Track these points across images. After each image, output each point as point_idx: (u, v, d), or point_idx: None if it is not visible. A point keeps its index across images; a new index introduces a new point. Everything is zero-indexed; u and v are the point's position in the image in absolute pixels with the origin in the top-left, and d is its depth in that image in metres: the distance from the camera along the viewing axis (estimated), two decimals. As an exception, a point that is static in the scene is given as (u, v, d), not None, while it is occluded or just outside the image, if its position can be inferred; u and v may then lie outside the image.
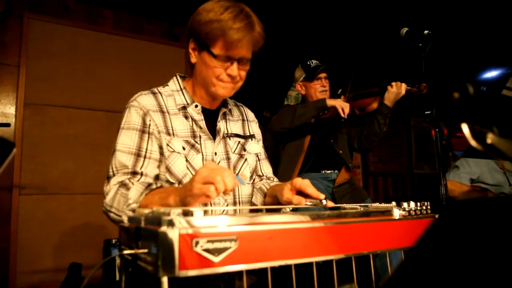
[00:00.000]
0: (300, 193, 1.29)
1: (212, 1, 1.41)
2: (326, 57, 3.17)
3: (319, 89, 2.85)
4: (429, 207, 1.09)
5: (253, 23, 1.39)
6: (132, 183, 1.30)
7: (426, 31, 1.99)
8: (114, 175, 1.35)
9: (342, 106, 2.57)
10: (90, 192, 3.66)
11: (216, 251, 0.73)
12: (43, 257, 3.43)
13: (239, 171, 1.57)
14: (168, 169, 1.41)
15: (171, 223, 0.74)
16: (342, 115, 2.57)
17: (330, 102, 2.60)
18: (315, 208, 1.26)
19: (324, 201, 1.20)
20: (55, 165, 3.57)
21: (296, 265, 0.84)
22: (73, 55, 3.77)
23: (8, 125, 2.55)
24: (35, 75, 3.57)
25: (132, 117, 1.42)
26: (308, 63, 2.91)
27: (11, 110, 3.45)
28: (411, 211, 1.06)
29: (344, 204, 1.28)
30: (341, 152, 2.81)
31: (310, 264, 0.86)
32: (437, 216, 1.07)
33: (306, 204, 1.25)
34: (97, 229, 3.60)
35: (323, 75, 2.87)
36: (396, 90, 2.66)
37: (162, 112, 1.46)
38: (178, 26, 4.40)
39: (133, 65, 4.05)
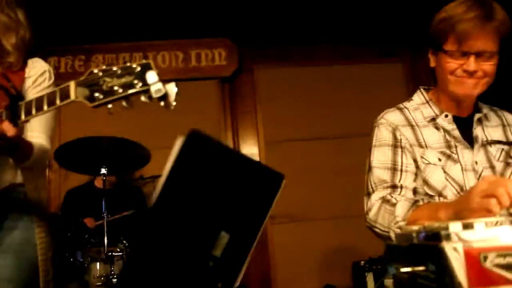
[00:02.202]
0: None
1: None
2: None
3: None
4: None
5: (490, 11, 1.27)
6: (395, 199, 1.31)
7: None
8: (373, 191, 1.40)
9: None
10: (334, 217, 3.84)
11: (510, 267, 0.66)
12: (299, 280, 3.72)
13: None
14: (425, 182, 1.39)
15: (451, 238, 0.70)
16: None
17: None
18: None
19: None
20: (300, 194, 3.86)
21: None
22: (299, 92, 4.11)
23: (256, 163, 2.91)
24: (270, 116, 4.03)
25: (382, 134, 1.46)
26: None
27: (254, 150, 3.95)
28: None
29: None
30: None
31: None
32: None
33: None
34: (344, 252, 3.72)
35: None
36: None
37: (411, 126, 1.46)
38: (389, 45, 4.29)
39: (354, 90, 4.15)
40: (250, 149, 3.96)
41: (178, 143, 0.87)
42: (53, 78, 1.62)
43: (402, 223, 1.22)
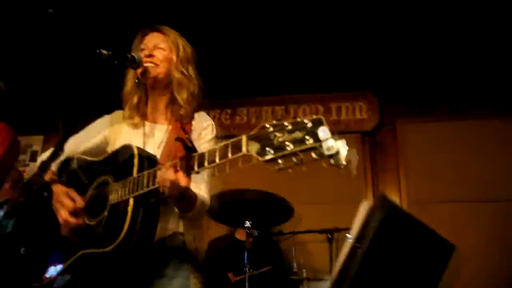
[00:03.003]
0: None
1: None
2: None
3: None
4: None
5: None
6: None
7: None
8: None
9: None
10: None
11: None
12: None
13: None
14: None
15: None
16: None
17: None
18: None
19: None
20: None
21: None
22: (447, 148, 3.79)
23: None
24: (415, 174, 3.74)
25: None
26: None
27: (396, 210, 3.68)
28: None
29: None
30: None
31: None
32: None
33: None
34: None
35: None
36: None
37: None
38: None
39: (508, 147, 3.70)
40: (392, 208, 3.70)
41: (364, 208, 0.80)
42: (215, 132, 1.68)
43: None
